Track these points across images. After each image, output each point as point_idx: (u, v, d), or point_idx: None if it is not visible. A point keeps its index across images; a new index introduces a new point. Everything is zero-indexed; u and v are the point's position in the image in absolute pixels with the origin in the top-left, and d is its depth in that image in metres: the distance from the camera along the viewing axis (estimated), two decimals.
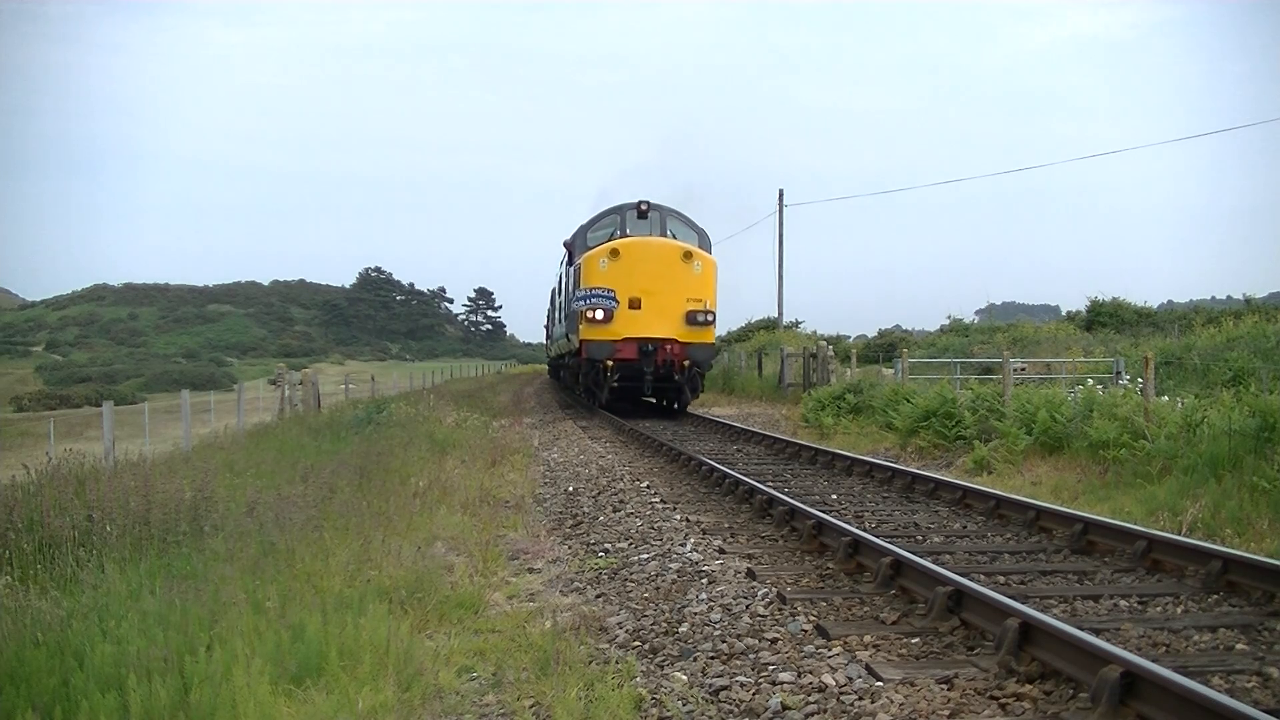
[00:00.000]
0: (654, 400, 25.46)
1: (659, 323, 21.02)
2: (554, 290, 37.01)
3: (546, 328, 49.12)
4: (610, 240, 22.41)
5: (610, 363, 20.89)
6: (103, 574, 6.18)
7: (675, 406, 23.29)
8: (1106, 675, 3.84)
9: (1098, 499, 10.04)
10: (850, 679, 4.32)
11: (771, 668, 4.57)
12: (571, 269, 24.01)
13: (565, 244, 25.16)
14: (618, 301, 20.92)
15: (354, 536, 7.26)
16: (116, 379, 79.17)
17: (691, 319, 21.15)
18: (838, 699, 4.13)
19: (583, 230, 23.85)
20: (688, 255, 21.41)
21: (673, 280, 21.08)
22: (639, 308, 21.00)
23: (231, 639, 4.79)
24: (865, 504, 9.21)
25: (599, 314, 20.83)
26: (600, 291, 20.96)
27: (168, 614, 5.18)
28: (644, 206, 22.68)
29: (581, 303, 21.16)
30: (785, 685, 4.35)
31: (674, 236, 22.65)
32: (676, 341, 21.12)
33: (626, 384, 21.48)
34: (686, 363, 21.14)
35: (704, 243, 23.12)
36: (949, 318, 44.24)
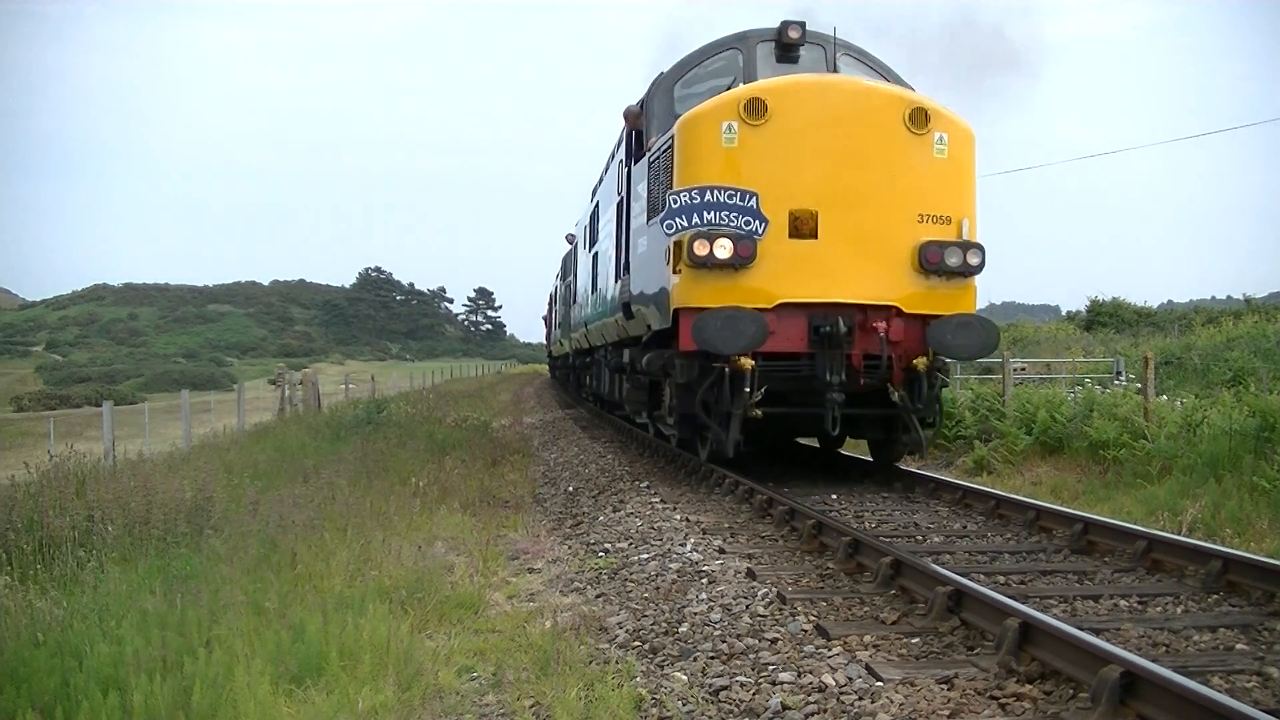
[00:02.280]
0: (802, 439, 13.32)
1: (857, 270, 9.46)
2: (571, 251, 23.90)
3: (547, 319, 41.12)
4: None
5: (748, 362, 9.20)
6: (103, 574, 6.19)
7: (878, 453, 11.17)
8: (1106, 675, 3.83)
9: (1098, 499, 10.04)
10: (850, 679, 4.32)
11: (771, 668, 4.58)
12: (641, 164, 11.46)
13: (627, 115, 12.07)
14: (764, 219, 9.23)
15: (354, 537, 7.26)
16: (116, 379, 79.17)
17: (932, 261, 9.43)
18: (838, 699, 4.13)
19: (664, 83, 11.36)
20: (919, 115, 9.57)
21: (886, 169, 9.51)
22: (810, 234, 9.41)
23: (232, 639, 4.79)
24: (865, 504, 9.21)
25: (722, 249, 9.17)
26: (722, 196, 9.23)
27: (168, 614, 5.19)
28: (793, 34, 10.66)
29: (680, 220, 9.30)
30: (785, 685, 4.35)
31: None
32: (897, 312, 9.53)
33: (781, 410, 9.70)
34: (921, 361, 9.51)
35: None
36: None
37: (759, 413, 9.32)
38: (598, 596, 6.44)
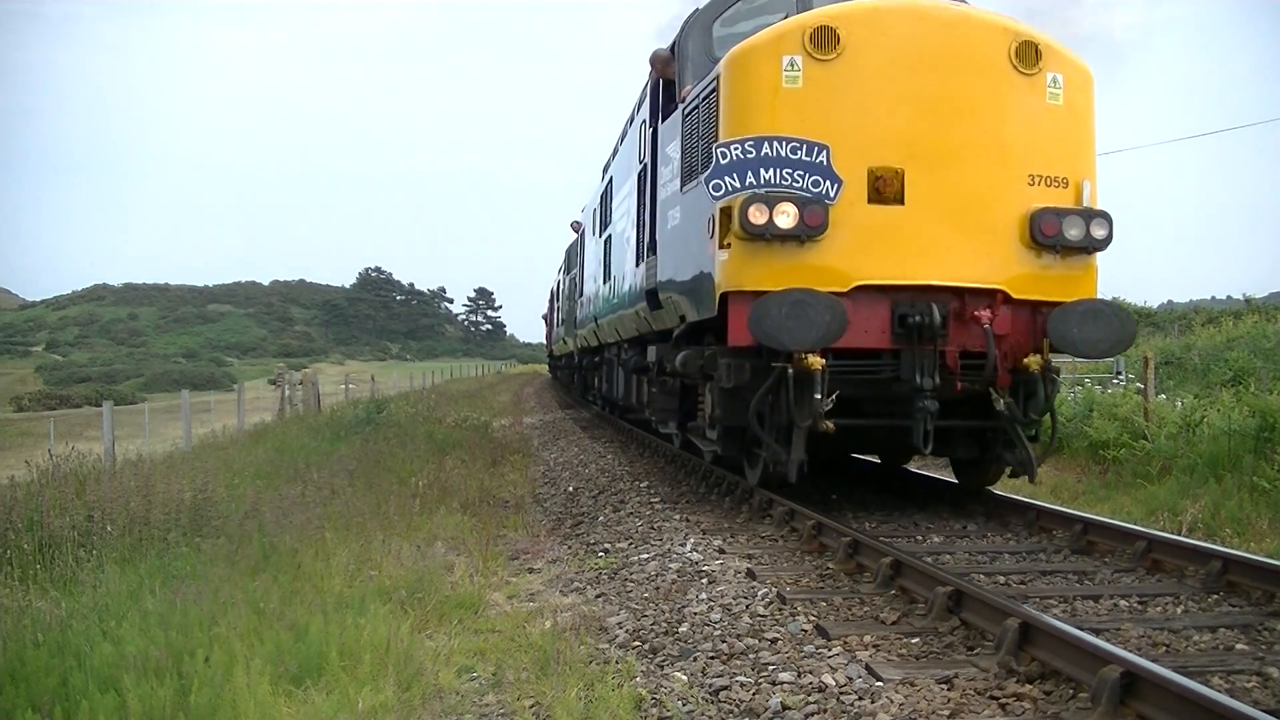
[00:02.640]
0: (871, 458, 11.35)
1: (953, 244, 7.56)
2: (577, 240, 21.75)
3: (547, 317, 39.29)
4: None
5: (818, 361, 7.23)
6: (103, 574, 6.19)
7: (968, 476, 9.21)
8: (1106, 675, 3.84)
9: (1097, 499, 10.05)
10: (850, 679, 4.32)
11: (771, 668, 4.58)
12: (673, 119, 9.57)
13: (655, 60, 10.26)
14: (837, 179, 7.38)
15: (354, 537, 7.26)
16: (116, 379, 79.27)
17: (1047, 233, 7.55)
18: (838, 699, 4.13)
19: (701, 20, 9.63)
20: (1028, 50, 7.66)
21: (989, 118, 7.64)
22: (895, 198, 7.53)
23: (231, 639, 4.79)
24: (865, 504, 9.21)
25: (784, 216, 7.31)
26: (783, 149, 7.37)
27: (168, 614, 5.19)
28: None
29: (729, 180, 7.39)
30: (785, 685, 4.35)
31: None
32: (1004, 298, 7.64)
33: (856, 422, 7.91)
34: (1033, 360, 7.65)
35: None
36: None
37: (830, 425, 7.31)
38: (598, 596, 6.44)
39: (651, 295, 10.25)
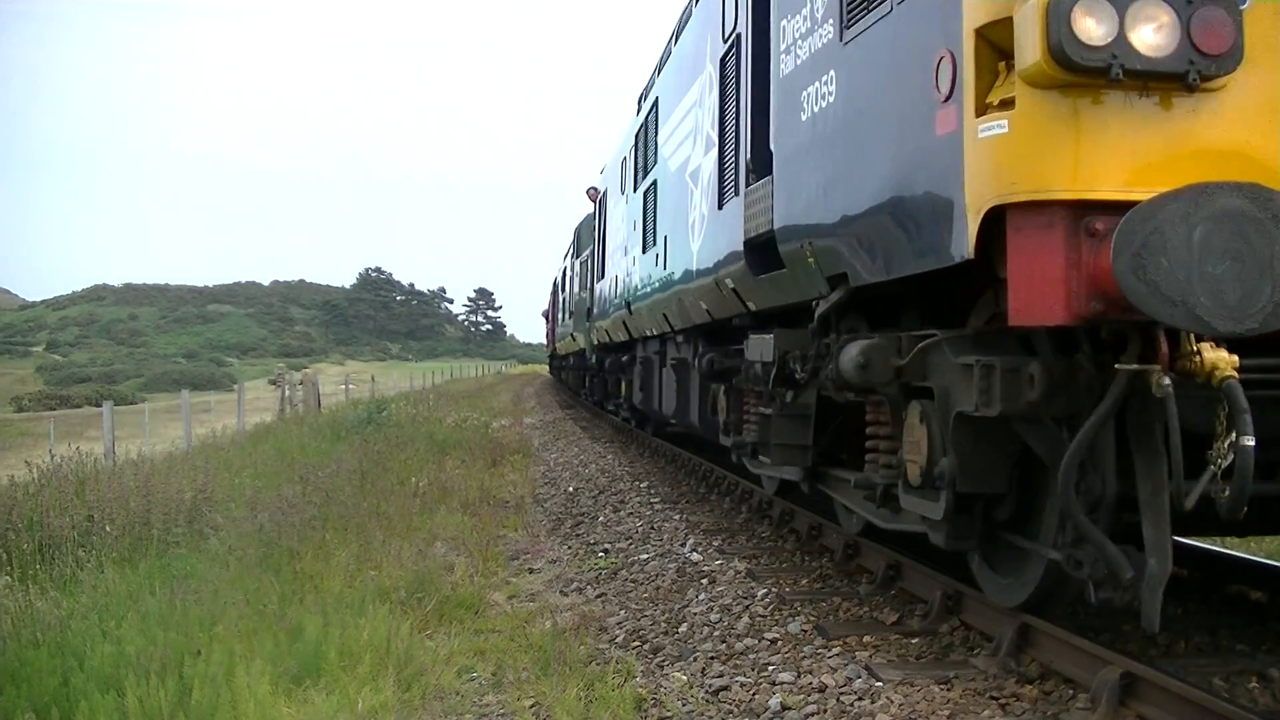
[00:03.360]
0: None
1: None
2: (596, 211, 17.56)
3: (548, 313, 36.83)
4: None
5: (1228, 362, 3.16)
6: (103, 574, 6.20)
7: None
8: (1106, 676, 3.83)
9: None
10: (850, 679, 4.32)
11: (771, 668, 4.58)
12: None
13: None
14: None
15: (354, 537, 7.27)
16: (117, 379, 79.34)
17: None
18: (837, 699, 4.13)
19: None
20: None
21: None
22: None
23: (231, 640, 4.80)
24: None
25: (1151, 30, 3.14)
26: None
27: (168, 614, 5.20)
28: None
29: None
30: (785, 685, 4.35)
31: None
32: None
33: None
34: None
35: None
36: None
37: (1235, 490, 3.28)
38: (598, 596, 6.44)
39: (759, 249, 6.27)
